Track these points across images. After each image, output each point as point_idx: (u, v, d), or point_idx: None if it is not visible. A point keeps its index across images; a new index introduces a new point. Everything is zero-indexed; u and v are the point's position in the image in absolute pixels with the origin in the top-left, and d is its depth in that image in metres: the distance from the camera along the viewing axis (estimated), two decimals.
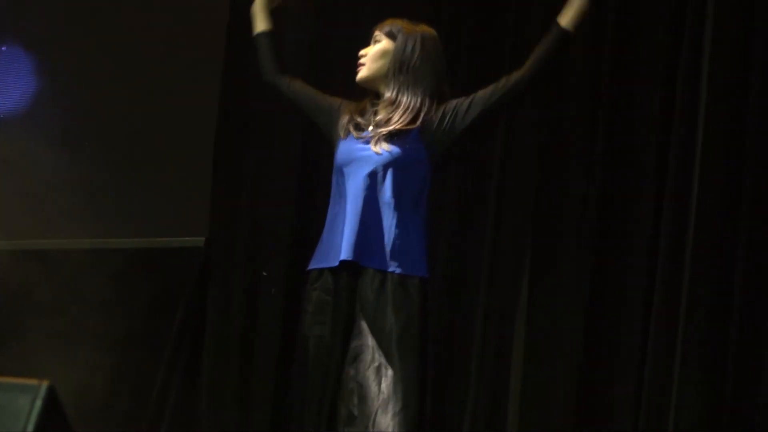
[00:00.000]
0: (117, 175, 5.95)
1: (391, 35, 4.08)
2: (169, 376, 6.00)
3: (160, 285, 6.09)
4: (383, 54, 4.07)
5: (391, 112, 3.99)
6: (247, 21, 5.94)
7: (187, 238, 6.09)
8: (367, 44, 4.16)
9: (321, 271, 3.99)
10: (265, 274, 5.95)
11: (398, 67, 4.03)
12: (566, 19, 3.96)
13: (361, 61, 4.08)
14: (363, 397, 3.81)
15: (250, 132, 5.97)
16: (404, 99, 4.00)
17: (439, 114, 3.99)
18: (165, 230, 5.96)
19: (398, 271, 3.89)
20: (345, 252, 3.89)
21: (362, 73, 4.08)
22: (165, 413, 5.93)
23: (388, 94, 4.03)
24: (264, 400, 5.85)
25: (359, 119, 4.04)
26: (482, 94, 4.01)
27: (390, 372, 3.79)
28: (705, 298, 4.89)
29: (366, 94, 4.16)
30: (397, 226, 3.92)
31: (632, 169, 5.17)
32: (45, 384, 3.01)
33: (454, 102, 4.02)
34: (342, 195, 4.00)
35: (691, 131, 4.97)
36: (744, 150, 4.90)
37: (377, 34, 4.10)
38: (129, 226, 6.03)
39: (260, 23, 4.39)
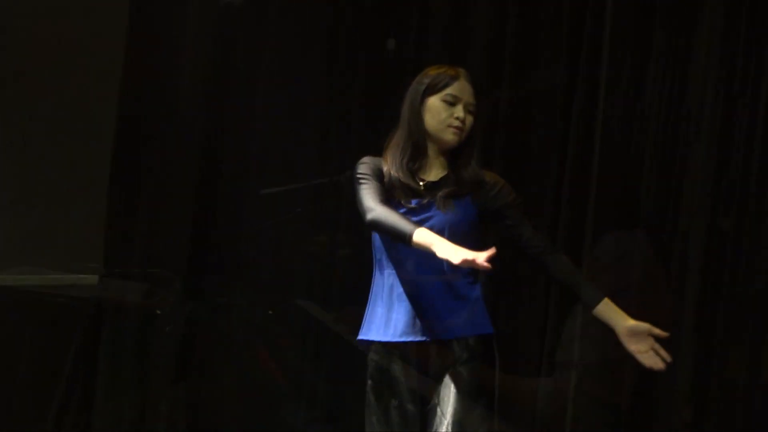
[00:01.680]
0: (6, 207, 5.86)
1: (478, 105, 4.14)
2: (60, 420, 5.86)
3: (51, 324, 5.97)
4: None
5: (460, 176, 4.06)
6: (147, 41, 5.98)
7: (80, 276, 6.00)
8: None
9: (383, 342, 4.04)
10: (159, 312, 5.88)
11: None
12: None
13: (461, 126, 4.09)
14: None
15: (146, 163, 5.94)
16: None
17: (488, 185, 4.09)
18: (58, 266, 5.87)
19: (469, 335, 3.96)
20: (416, 332, 3.96)
21: (459, 138, 4.10)
22: None
23: (465, 161, 4.08)
24: None
25: (408, 181, 4.06)
26: (512, 214, 4.09)
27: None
28: None
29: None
30: (463, 289, 3.99)
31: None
32: None
33: (498, 185, 4.10)
34: (399, 262, 4.00)
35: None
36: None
37: (472, 103, 4.12)
38: (20, 262, 5.93)
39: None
